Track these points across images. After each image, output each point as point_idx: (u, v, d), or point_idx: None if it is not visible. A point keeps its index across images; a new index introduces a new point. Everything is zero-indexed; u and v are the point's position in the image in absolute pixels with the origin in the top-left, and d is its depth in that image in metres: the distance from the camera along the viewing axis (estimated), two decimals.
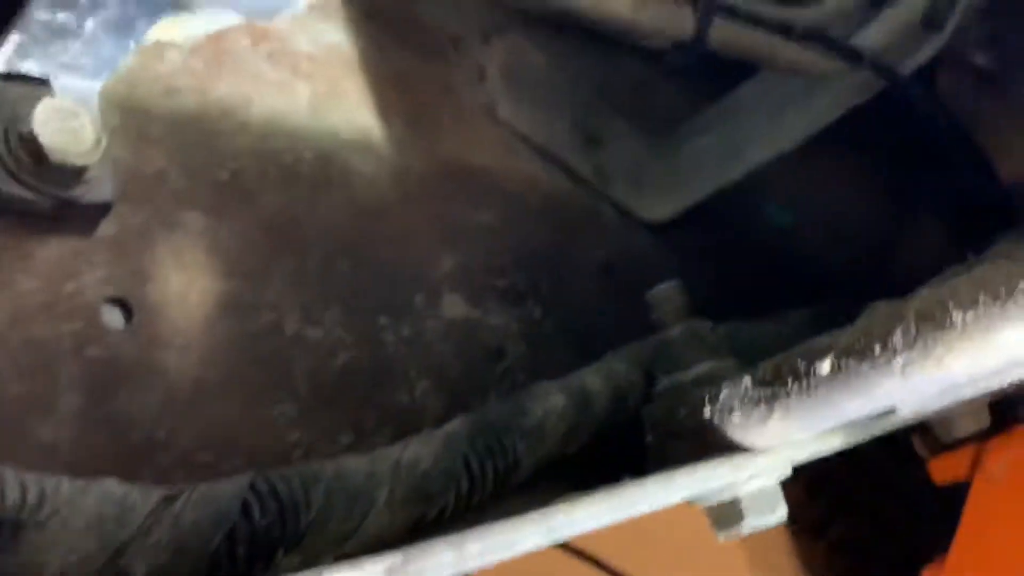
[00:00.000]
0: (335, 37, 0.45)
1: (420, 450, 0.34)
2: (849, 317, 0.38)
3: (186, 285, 0.33)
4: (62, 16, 0.28)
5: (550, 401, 0.39)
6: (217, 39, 0.39)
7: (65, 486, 0.25)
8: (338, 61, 0.44)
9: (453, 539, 0.26)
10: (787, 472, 0.40)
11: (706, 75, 0.61)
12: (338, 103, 0.43)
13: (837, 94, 0.54)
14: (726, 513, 0.39)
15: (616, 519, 0.33)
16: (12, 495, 0.23)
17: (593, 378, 0.41)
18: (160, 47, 0.36)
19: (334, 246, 0.39)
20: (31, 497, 0.23)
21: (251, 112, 0.39)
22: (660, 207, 0.58)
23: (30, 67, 0.30)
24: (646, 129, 0.60)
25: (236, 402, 0.33)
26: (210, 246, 0.35)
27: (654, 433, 0.41)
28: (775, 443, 0.38)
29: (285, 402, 0.35)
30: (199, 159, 0.36)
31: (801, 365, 0.36)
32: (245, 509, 0.28)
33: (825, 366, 0.35)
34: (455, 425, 0.36)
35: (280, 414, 0.35)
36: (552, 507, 0.30)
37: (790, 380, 0.36)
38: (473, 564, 0.26)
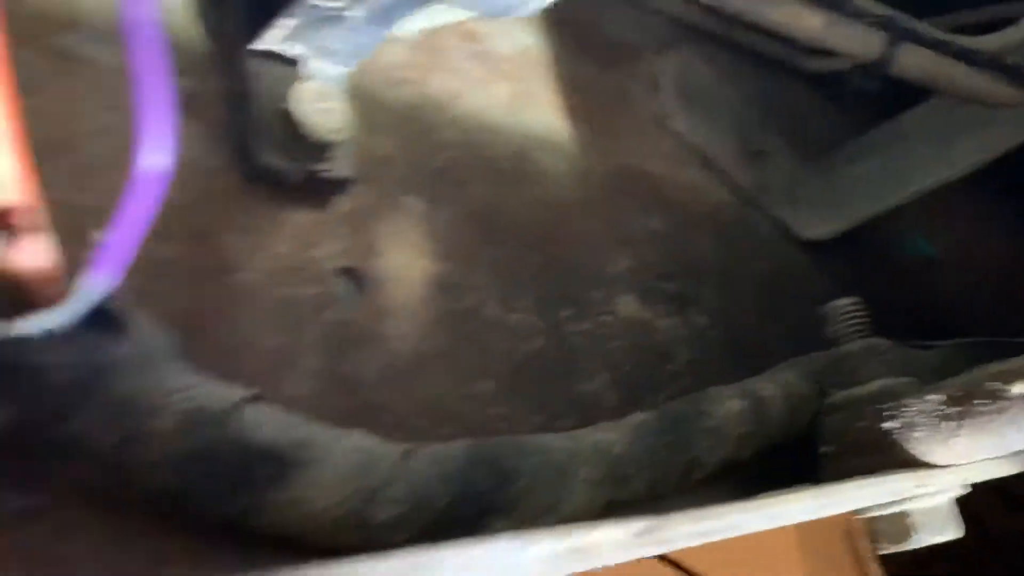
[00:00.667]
0: (529, 40, 0.47)
1: (613, 436, 0.35)
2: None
3: (407, 263, 0.35)
4: (334, 4, 0.30)
5: (727, 405, 0.39)
6: (431, 36, 0.41)
7: (324, 432, 0.26)
8: (531, 63, 0.46)
9: (692, 514, 0.27)
10: (961, 492, 0.40)
11: (868, 100, 0.61)
12: (531, 103, 0.45)
13: (1012, 125, 0.54)
14: (895, 527, 0.39)
15: (800, 518, 0.34)
16: (284, 436, 0.25)
17: (767, 385, 0.42)
18: (389, 40, 0.38)
19: (527, 239, 0.41)
20: (298, 438, 0.25)
21: (459, 107, 0.41)
22: (817, 226, 0.58)
23: (297, 50, 0.32)
24: (806, 149, 0.61)
25: (446, 375, 0.35)
26: (427, 229, 0.37)
27: (830, 444, 0.41)
28: (958, 461, 0.38)
29: (486, 379, 0.37)
30: (418, 148, 0.38)
31: (993, 386, 0.36)
32: (468, 472, 0.29)
33: (1019, 388, 0.35)
34: (642, 417, 0.37)
35: (482, 390, 0.36)
36: (761, 498, 0.31)
37: (981, 399, 0.36)
38: (695, 542, 0.27)
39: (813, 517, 0.34)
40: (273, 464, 0.25)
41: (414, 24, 0.34)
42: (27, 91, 0.19)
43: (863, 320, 0.43)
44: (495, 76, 0.44)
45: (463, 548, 0.22)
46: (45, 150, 0.21)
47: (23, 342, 0.19)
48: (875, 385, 0.41)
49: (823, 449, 0.41)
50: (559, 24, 0.49)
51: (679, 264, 0.49)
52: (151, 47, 0.16)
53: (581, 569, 0.25)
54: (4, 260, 0.18)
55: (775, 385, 0.42)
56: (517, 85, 0.45)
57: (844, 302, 0.44)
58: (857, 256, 0.60)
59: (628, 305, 0.45)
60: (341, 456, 0.26)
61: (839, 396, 0.42)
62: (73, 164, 0.27)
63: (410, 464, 0.28)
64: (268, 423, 0.25)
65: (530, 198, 0.42)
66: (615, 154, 0.49)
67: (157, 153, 0.18)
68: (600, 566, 0.25)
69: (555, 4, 0.32)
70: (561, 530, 0.25)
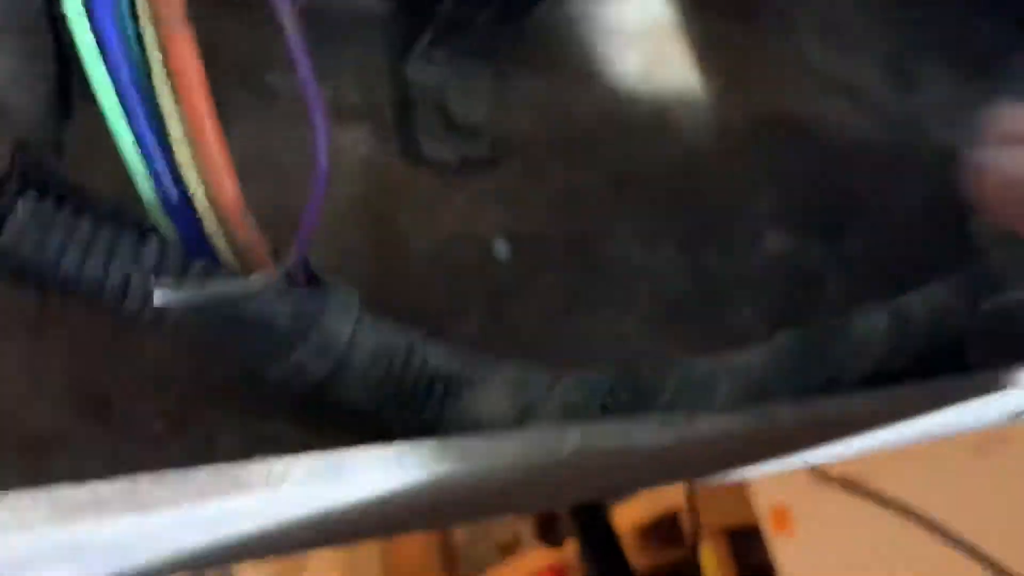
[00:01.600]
0: (658, 9, 0.51)
1: (751, 358, 0.39)
2: None
3: (554, 223, 0.41)
4: (467, 12, 0.36)
5: (872, 319, 0.42)
6: (565, 20, 0.46)
7: (488, 360, 0.33)
8: (662, 30, 0.50)
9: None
10: None
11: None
12: (665, 67, 0.49)
13: None
14: None
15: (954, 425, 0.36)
16: (455, 362, 0.32)
17: (914, 299, 0.44)
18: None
19: (667, 190, 0.46)
20: (466, 364, 0.32)
21: (593, 81, 0.46)
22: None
23: (444, 55, 0.39)
24: (961, 68, 0.60)
25: (596, 318, 0.41)
26: (568, 191, 0.42)
27: (978, 353, 0.43)
28: None
29: (633, 320, 0.42)
30: (557, 124, 0.44)
31: None
32: (614, 388, 0.35)
33: None
34: (782, 338, 0.41)
35: (629, 330, 0.41)
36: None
37: None
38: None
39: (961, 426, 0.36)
40: (447, 384, 0.32)
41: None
42: (232, 120, 0.26)
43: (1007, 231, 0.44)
44: (627, 48, 0.49)
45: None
46: (255, 167, 0.29)
47: (257, 301, 0.26)
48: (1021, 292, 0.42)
49: (971, 359, 0.43)
50: None
51: (827, 196, 0.51)
52: (308, 70, 0.23)
53: None
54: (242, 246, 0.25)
55: (921, 300, 0.44)
56: (649, 53, 0.49)
57: None
58: None
59: (775, 239, 0.48)
60: (501, 378, 0.33)
61: (988, 306, 0.43)
62: (275, 176, 0.35)
63: (561, 384, 0.34)
64: (442, 354, 0.32)
65: (667, 152, 0.47)
66: (754, 99, 0.52)
67: (326, 157, 0.25)
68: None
69: None
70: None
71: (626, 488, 0.66)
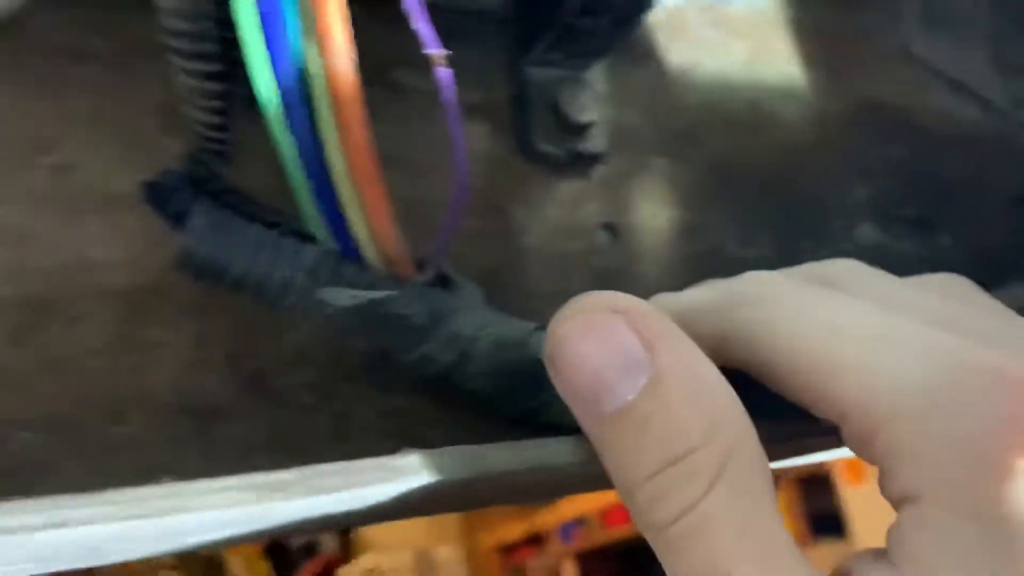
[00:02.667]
0: (764, 1, 0.52)
1: None
2: None
3: (655, 213, 0.44)
4: (586, 21, 0.38)
5: None
6: (671, 14, 0.48)
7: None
8: (767, 21, 0.52)
9: None
10: None
11: None
12: (768, 58, 0.51)
13: None
14: None
15: None
16: None
17: (1002, 296, 0.45)
18: None
19: (764, 182, 0.48)
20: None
21: (698, 72, 0.48)
22: None
23: (557, 56, 0.41)
24: None
25: None
26: (671, 183, 0.45)
27: None
28: None
29: None
30: (661, 115, 0.46)
31: None
32: None
33: None
34: None
35: None
36: None
37: None
38: None
39: None
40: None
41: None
42: (372, 119, 0.29)
43: None
44: (731, 37, 0.50)
45: None
46: (388, 162, 0.32)
47: (394, 298, 0.30)
48: None
49: None
50: None
51: (922, 188, 0.52)
52: (449, 76, 0.25)
53: None
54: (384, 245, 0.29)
55: (1009, 296, 0.45)
56: (753, 42, 0.51)
57: None
58: None
59: (868, 232, 0.50)
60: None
61: None
62: (407, 170, 0.38)
63: None
64: None
65: (766, 144, 0.49)
66: (855, 91, 0.53)
67: (461, 154, 0.28)
68: None
69: None
70: None
71: None
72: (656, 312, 0.22)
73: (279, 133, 0.26)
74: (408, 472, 0.24)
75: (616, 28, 0.39)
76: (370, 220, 0.26)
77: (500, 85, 0.42)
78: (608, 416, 0.20)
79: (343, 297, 0.28)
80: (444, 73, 0.26)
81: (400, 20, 0.27)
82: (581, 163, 0.42)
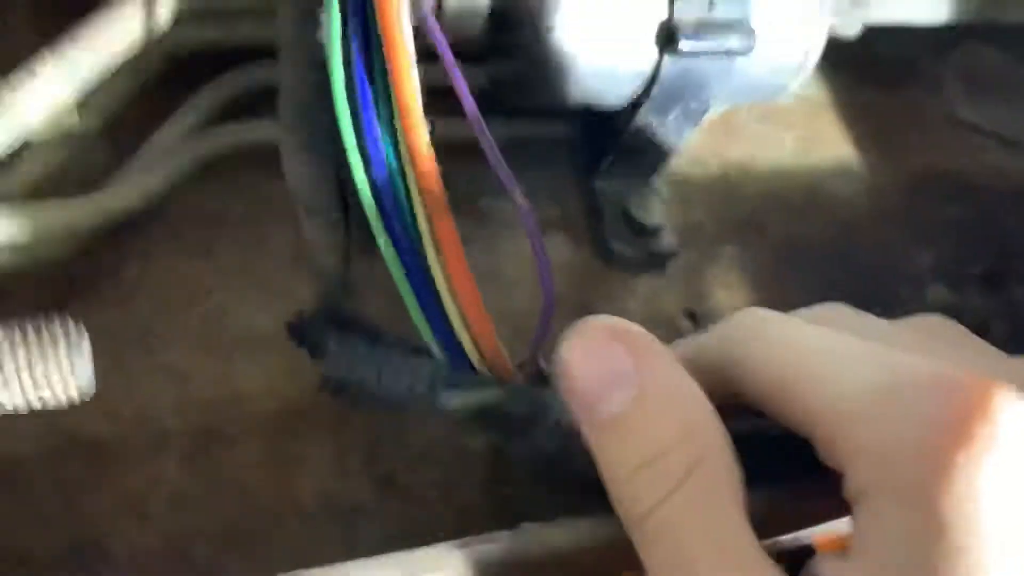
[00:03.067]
0: (809, 90, 0.56)
1: None
2: None
3: (729, 297, 0.47)
4: (642, 139, 0.44)
5: None
6: (724, 116, 0.53)
7: None
8: (815, 109, 0.56)
9: None
10: None
11: None
12: (819, 143, 0.55)
13: None
14: None
15: None
16: None
17: None
18: None
19: (828, 257, 0.51)
20: None
21: (755, 165, 0.52)
22: None
23: (619, 170, 0.46)
24: None
25: None
26: (741, 268, 0.49)
27: None
28: None
29: None
30: (724, 208, 0.50)
31: None
32: None
33: None
34: None
35: None
36: None
37: None
38: None
39: None
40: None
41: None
42: (465, 244, 0.34)
43: None
44: (783, 129, 0.55)
45: None
46: (483, 279, 0.37)
47: (500, 397, 0.34)
48: None
49: None
50: (836, 66, 0.58)
51: (986, 244, 0.55)
52: (528, 210, 0.30)
53: None
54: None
55: None
56: (803, 130, 0.55)
57: None
58: None
59: (937, 293, 0.53)
60: None
61: None
62: (500, 284, 0.43)
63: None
64: None
65: (827, 222, 0.52)
66: (907, 162, 0.56)
67: (546, 272, 0.32)
68: None
69: (829, 47, 0.42)
70: None
71: None
72: (644, 334, 0.25)
73: (393, 266, 0.32)
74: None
75: (686, 126, 0.44)
76: (473, 332, 0.31)
77: (574, 199, 0.47)
78: (601, 423, 0.23)
79: (456, 401, 0.33)
80: (524, 208, 0.31)
81: (482, 156, 0.32)
82: (655, 261, 0.47)
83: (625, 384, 0.24)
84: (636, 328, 0.25)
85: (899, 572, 0.19)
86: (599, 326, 0.26)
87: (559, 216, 0.47)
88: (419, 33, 0.28)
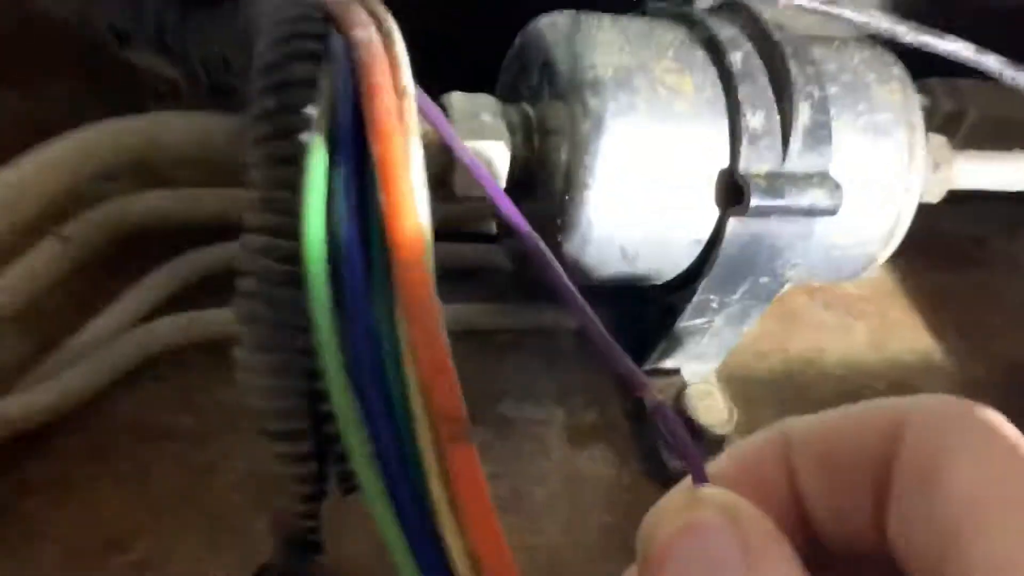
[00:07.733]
0: (879, 275, 0.49)
1: None
2: None
3: None
4: (699, 322, 0.35)
5: None
6: (781, 301, 0.45)
7: None
8: (884, 294, 0.48)
9: None
10: None
11: None
12: (893, 332, 0.46)
13: None
14: None
15: None
16: None
17: None
18: None
19: None
20: None
21: (825, 359, 0.44)
22: None
23: (670, 363, 0.37)
24: None
25: None
26: None
27: None
28: None
29: None
30: (795, 406, 0.41)
31: None
32: None
33: None
34: None
35: None
36: None
37: None
38: None
39: None
40: None
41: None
42: (483, 458, 0.25)
43: None
44: (852, 318, 0.46)
45: None
46: (504, 505, 0.27)
47: None
48: None
49: None
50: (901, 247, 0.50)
51: None
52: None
53: None
54: None
55: None
56: (875, 319, 0.47)
57: None
58: None
59: None
60: None
61: None
62: (525, 513, 0.33)
63: None
64: None
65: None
66: (993, 351, 0.48)
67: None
68: None
69: None
70: None
71: None
72: (763, 520, 0.17)
73: (379, 505, 0.22)
74: None
75: (734, 325, 0.36)
76: None
77: (614, 401, 0.38)
78: None
79: None
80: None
81: (503, 352, 0.24)
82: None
83: None
84: (750, 510, 0.17)
85: None
86: (707, 501, 0.18)
87: (599, 421, 0.38)
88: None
